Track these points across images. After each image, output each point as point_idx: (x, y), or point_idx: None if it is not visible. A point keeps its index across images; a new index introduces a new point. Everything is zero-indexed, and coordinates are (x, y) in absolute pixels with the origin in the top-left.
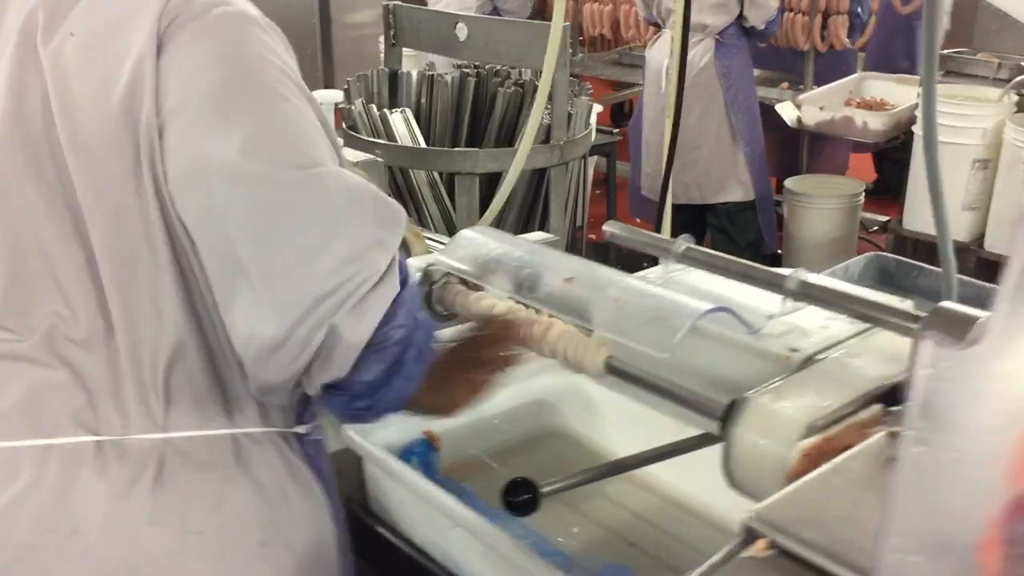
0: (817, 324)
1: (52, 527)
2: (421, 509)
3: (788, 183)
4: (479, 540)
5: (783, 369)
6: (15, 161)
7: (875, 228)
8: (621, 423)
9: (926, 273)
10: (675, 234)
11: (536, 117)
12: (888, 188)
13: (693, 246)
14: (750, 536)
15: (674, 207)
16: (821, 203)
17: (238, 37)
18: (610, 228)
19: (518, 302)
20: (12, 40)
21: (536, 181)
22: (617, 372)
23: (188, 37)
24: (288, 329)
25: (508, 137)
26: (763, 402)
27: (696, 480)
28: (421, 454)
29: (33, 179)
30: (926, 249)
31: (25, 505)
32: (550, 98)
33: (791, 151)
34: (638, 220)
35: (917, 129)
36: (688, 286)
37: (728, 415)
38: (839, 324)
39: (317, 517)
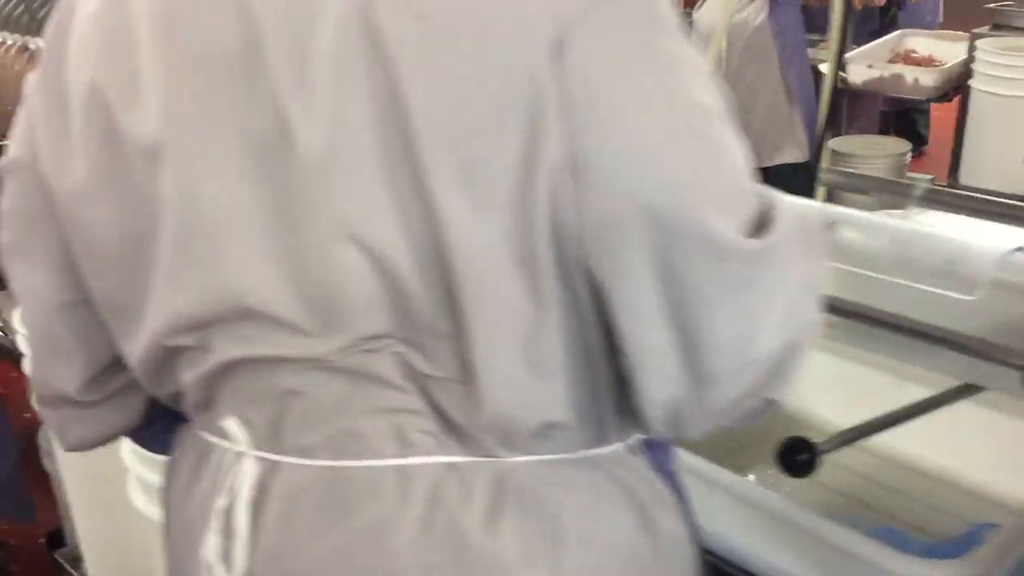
0: None
1: (414, 562)
2: None
3: (833, 144)
4: (753, 504)
5: None
6: (373, 180)
7: None
8: (817, 383)
9: None
10: None
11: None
12: (920, 142)
13: (936, 187)
14: None
15: None
16: (868, 163)
17: (652, 37)
18: (828, 175)
19: None
20: (331, 18)
21: None
22: (873, 319)
23: (595, 37)
24: (710, 398)
25: None
26: None
27: (914, 439)
28: None
29: (395, 203)
30: None
31: (396, 529)
32: None
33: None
34: None
35: (974, 83)
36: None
37: None
38: None
39: (683, 544)
